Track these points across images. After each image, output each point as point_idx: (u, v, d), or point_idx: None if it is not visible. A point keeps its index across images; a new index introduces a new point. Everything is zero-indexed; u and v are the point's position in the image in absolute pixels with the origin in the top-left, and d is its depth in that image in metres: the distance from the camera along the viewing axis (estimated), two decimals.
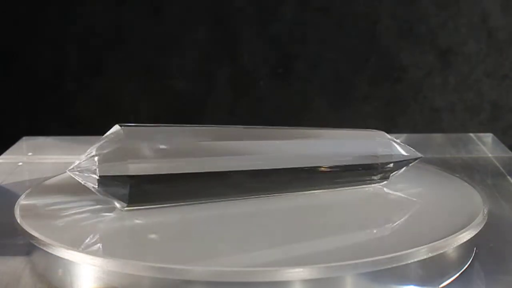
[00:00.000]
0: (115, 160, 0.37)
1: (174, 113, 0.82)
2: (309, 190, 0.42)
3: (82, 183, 0.38)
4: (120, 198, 0.38)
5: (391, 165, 0.43)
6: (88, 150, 0.38)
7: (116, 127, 0.38)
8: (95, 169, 0.37)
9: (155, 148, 0.38)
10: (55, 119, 0.82)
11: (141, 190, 0.38)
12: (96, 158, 0.37)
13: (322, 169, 0.41)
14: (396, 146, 0.43)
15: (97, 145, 0.38)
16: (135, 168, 0.37)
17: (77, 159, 0.38)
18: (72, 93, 0.82)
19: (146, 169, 0.37)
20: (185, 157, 0.39)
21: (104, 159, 0.37)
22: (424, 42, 0.80)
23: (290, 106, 0.82)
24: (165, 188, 0.39)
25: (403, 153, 0.43)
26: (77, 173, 0.38)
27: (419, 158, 0.44)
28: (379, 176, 0.43)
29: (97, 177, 0.37)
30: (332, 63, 0.81)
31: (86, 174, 0.38)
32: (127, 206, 0.39)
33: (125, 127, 0.38)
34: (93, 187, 0.38)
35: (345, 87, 0.81)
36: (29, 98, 0.82)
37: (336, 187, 0.42)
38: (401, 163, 0.43)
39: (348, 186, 0.43)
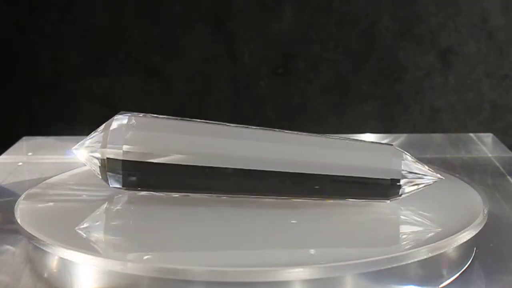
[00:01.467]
0: (112, 144, 0.39)
1: (174, 113, 0.82)
2: (310, 198, 0.41)
3: (83, 162, 0.41)
4: (112, 180, 0.40)
5: (401, 184, 0.40)
6: (92, 133, 0.40)
7: (119, 114, 0.41)
8: (94, 150, 0.40)
9: (151, 136, 0.40)
10: (55, 119, 0.82)
11: (131, 176, 0.40)
12: (96, 140, 0.40)
13: (328, 177, 0.40)
14: (410, 164, 0.40)
15: (100, 128, 0.40)
16: (128, 153, 0.39)
17: (82, 140, 0.41)
18: (72, 93, 0.82)
19: (139, 156, 0.39)
20: (179, 148, 0.40)
21: (102, 142, 0.40)
22: (424, 42, 0.80)
23: (290, 106, 0.82)
24: (157, 177, 0.40)
25: (417, 172, 0.40)
26: (79, 152, 0.40)
27: (436, 180, 0.40)
28: (386, 194, 0.40)
29: (95, 158, 0.40)
30: (332, 63, 0.81)
31: (86, 155, 0.40)
32: (123, 189, 0.41)
33: (128, 115, 0.40)
34: (91, 167, 0.41)
35: (345, 87, 0.81)
36: (29, 98, 0.82)
37: (341, 198, 0.41)
38: (412, 183, 0.40)
39: (353, 199, 0.41)
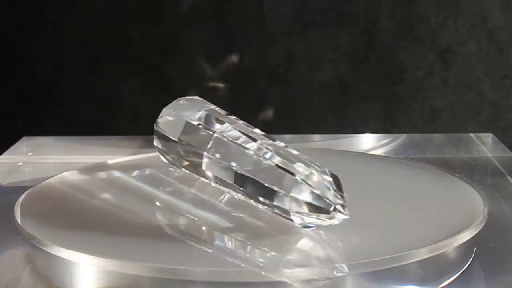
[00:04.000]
0: (169, 123, 0.45)
1: None
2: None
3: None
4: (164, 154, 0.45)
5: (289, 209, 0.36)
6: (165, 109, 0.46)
7: (195, 96, 0.46)
8: (160, 129, 0.45)
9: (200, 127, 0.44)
10: (55, 119, 0.82)
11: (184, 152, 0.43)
12: (165, 120, 0.45)
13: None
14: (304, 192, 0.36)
15: (174, 103, 0.46)
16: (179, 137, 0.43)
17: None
18: (72, 93, 0.82)
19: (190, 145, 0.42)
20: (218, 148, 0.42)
21: (162, 117, 0.45)
22: (424, 42, 0.80)
23: (290, 106, 0.82)
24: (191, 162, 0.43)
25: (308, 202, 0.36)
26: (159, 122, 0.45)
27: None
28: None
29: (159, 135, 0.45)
30: (332, 63, 0.81)
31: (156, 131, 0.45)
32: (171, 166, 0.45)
33: (196, 99, 0.46)
34: (155, 142, 0.45)
35: (345, 87, 0.81)
36: (29, 98, 0.82)
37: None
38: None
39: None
